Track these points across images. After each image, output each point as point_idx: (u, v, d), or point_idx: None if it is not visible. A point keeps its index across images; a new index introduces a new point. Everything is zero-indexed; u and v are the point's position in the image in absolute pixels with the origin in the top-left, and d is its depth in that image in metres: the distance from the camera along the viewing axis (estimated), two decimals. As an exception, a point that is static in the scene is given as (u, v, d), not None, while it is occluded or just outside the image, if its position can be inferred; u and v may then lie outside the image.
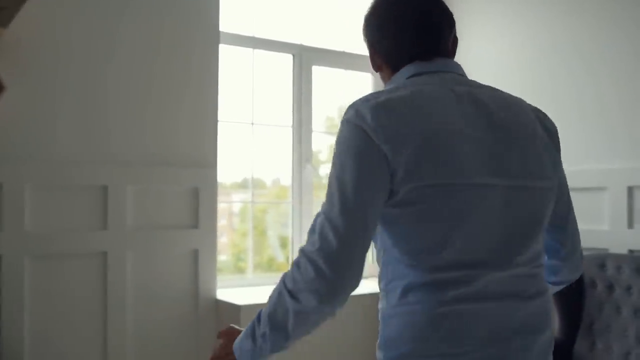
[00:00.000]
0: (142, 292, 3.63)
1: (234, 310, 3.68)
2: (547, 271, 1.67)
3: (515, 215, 1.44)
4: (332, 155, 1.47)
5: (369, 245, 1.43)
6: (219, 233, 4.74)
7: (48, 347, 3.37)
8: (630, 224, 3.64)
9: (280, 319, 1.46)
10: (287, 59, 4.59)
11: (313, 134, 4.65)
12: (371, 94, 1.46)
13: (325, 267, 1.37)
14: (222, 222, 4.76)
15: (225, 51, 4.27)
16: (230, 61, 4.34)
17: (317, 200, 4.71)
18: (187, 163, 3.80)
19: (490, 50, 4.51)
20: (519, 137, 1.47)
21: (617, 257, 3.50)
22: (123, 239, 3.57)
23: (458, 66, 1.57)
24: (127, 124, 3.63)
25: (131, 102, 3.64)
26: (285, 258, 4.65)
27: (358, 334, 4.10)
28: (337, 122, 1.64)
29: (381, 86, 1.68)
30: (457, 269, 1.39)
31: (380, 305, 1.53)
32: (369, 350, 4.04)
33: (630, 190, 3.63)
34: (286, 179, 4.67)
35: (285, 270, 1.52)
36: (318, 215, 1.44)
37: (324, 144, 4.94)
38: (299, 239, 4.54)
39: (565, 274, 1.70)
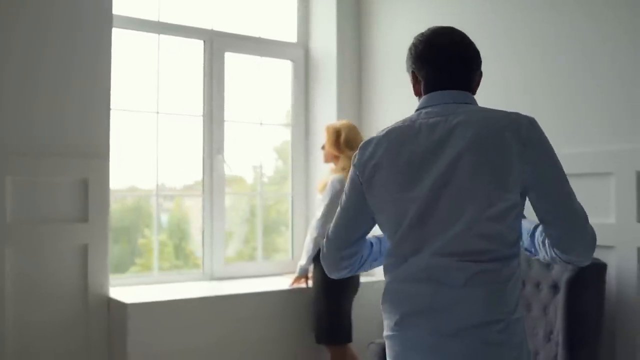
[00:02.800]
0: (24, 290, 3.42)
1: (122, 308, 3.47)
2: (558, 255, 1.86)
3: (432, 219, 1.80)
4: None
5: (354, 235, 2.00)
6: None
7: None
8: None
9: None
10: (197, 45, 4.37)
11: (273, 128, 4.55)
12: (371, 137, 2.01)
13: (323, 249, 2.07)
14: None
15: (129, 37, 4.08)
16: (135, 48, 4.14)
17: (229, 192, 4.52)
18: (76, 153, 3.58)
19: (414, 31, 4.33)
20: (473, 155, 1.78)
21: (528, 251, 3.31)
22: (1, 233, 3.35)
23: (459, 96, 1.92)
24: (7, 111, 3.41)
25: (12, 87, 3.42)
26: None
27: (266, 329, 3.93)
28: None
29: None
30: (393, 257, 1.87)
31: None
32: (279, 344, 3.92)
33: None
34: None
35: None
36: None
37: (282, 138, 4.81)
38: (210, 233, 4.34)
39: (572, 260, 1.88)
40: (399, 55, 4.52)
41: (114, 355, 3.57)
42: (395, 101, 4.45)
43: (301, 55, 4.79)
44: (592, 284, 3.09)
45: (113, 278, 3.92)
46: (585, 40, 3.34)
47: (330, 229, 2.03)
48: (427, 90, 1.97)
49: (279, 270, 4.57)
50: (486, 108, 1.88)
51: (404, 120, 1.97)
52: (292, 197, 4.78)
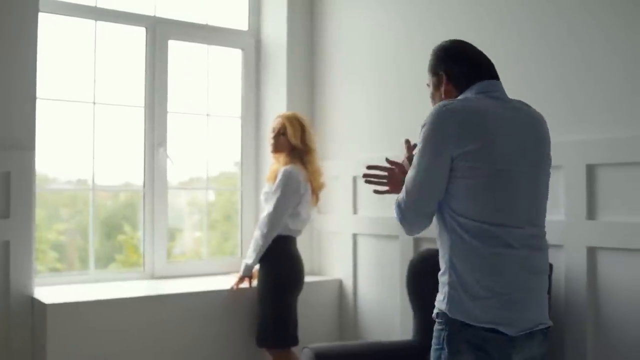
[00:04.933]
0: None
1: (43, 308, 3.27)
2: None
3: (532, 191, 2.12)
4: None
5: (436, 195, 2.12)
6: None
7: None
8: (591, 214, 2.93)
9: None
10: (139, 32, 4.16)
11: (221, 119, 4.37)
12: (449, 102, 2.10)
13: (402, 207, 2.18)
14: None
15: (63, 23, 3.88)
16: (71, 34, 3.94)
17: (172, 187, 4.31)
18: (-4, 144, 3.39)
19: (366, 21, 4.15)
20: (538, 141, 2.16)
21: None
22: None
23: (503, 88, 2.24)
24: None
25: None
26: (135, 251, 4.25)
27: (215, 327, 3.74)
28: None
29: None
30: (496, 226, 2.05)
31: (447, 245, 2.13)
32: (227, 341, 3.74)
33: (591, 169, 2.91)
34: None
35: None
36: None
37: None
38: (151, 230, 4.13)
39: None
40: (352, 45, 4.36)
41: (37, 359, 3.37)
42: (347, 92, 4.26)
43: (252, 44, 4.59)
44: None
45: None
46: (544, 32, 3.14)
47: (416, 188, 2.11)
48: (471, 81, 2.19)
49: (226, 269, 4.35)
50: (521, 101, 2.26)
51: (480, 98, 2.14)
52: (242, 191, 4.57)
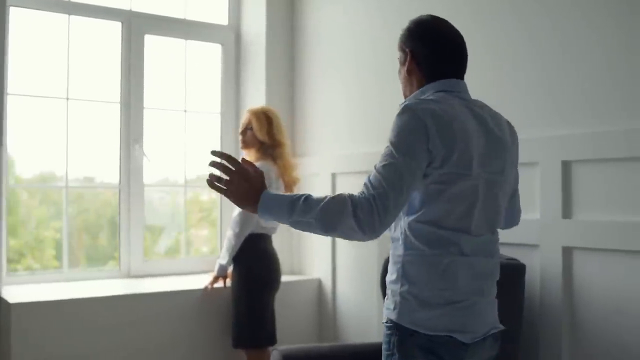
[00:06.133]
0: None
1: (8, 308, 3.21)
2: None
3: (493, 198, 2.06)
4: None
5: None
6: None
7: None
8: (567, 213, 2.84)
9: (329, 223, 1.87)
10: (115, 27, 4.09)
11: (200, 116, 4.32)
12: (420, 101, 1.99)
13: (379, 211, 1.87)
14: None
15: (35, 18, 3.82)
16: (44, 29, 3.87)
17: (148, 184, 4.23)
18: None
19: (346, 18, 4.08)
20: (500, 146, 2.08)
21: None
22: None
23: (466, 87, 2.15)
24: None
25: None
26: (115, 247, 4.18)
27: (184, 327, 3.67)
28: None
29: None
30: (454, 232, 1.98)
31: (400, 252, 2.04)
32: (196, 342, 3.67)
33: (566, 166, 2.81)
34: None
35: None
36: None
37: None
38: (127, 228, 4.06)
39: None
40: (332, 41, 4.28)
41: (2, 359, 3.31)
42: (327, 88, 4.19)
43: (231, 39, 4.50)
44: (508, 287, 2.79)
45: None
46: (523, 27, 3.06)
47: (392, 188, 1.88)
48: (439, 76, 2.08)
49: (204, 268, 4.27)
50: (486, 104, 2.17)
51: (446, 98, 2.03)
52: (221, 189, 4.48)
